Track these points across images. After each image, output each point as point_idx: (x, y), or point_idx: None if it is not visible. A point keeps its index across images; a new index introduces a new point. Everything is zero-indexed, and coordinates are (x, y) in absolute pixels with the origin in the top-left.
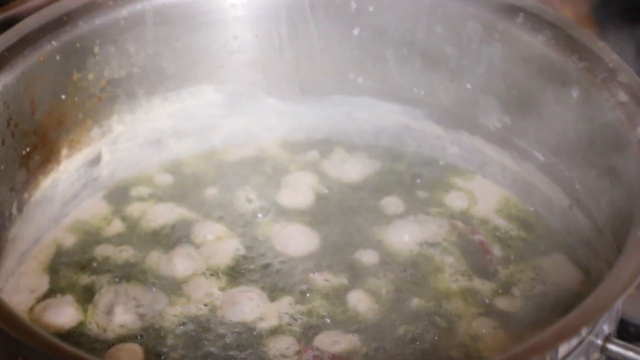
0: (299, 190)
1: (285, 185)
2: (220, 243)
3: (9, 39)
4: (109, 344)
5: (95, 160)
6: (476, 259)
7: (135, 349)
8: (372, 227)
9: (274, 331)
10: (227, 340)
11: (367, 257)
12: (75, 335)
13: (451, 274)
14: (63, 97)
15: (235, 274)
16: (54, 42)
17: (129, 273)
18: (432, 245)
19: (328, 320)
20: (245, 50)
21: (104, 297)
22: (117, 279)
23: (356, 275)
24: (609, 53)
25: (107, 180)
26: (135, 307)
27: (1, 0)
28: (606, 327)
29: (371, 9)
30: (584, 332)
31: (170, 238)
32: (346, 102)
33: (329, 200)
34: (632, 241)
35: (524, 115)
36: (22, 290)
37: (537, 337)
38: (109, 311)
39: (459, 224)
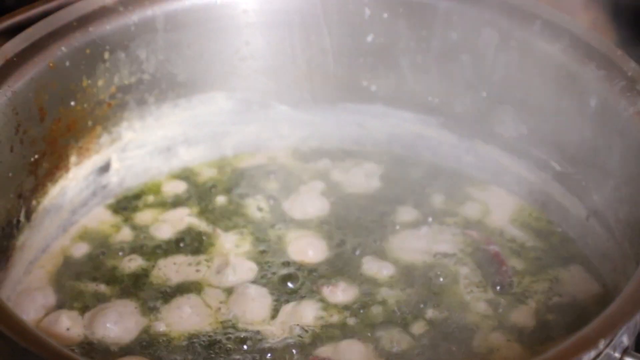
0: (310, 199)
1: (296, 194)
2: (230, 252)
3: (18, 45)
4: (117, 355)
5: (105, 168)
6: (491, 270)
7: (145, 356)
8: (384, 237)
9: (284, 341)
10: (236, 351)
11: (380, 267)
12: (82, 346)
13: (466, 285)
14: (72, 103)
15: (245, 282)
16: (63, 48)
17: (138, 282)
18: (446, 255)
19: (339, 331)
20: (257, 57)
21: (112, 307)
22: (125, 289)
23: (368, 285)
24: (627, 61)
25: (116, 188)
26: (144, 316)
27: (10, 6)
28: (625, 340)
29: (385, 15)
30: (601, 344)
31: (179, 247)
32: (359, 110)
33: (341, 210)
34: None
35: (540, 124)
36: (30, 299)
37: (553, 349)
38: (117, 321)
39: (474, 234)
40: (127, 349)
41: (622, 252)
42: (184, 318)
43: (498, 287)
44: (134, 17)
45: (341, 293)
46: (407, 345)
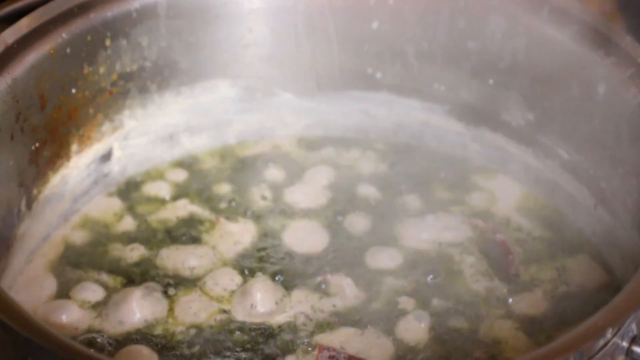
0: (314, 188)
1: (300, 182)
2: (233, 241)
3: (18, 32)
4: (120, 344)
5: (106, 156)
6: (497, 259)
7: (147, 349)
8: (390, 226)
9: (289, 329)
10: (242, 338)
11: (385, 256)
12: (84, 336)
13: (472, 274)
14: (73, 91)
15: (249, 271)
16: (64, 35)
17: (140, 272)
18: (452, 244)
19: (344, 320)
20: (260, 44)
21: (113, 296)
22: (127, 278)
23: (373, 274)
24: (636, 48)
25: (118, 177)
26: (146, 306)
27: None
28: (633, 329)
29: (391, 2)
30: (609, 333)
31: (182, 236)
32: (364, 98)
33: (346, 198)
34: None
35: (548, 112)
36: (31, 288)
37: (560, 338)
38: (120, 311)
39: (480, 223)
40: (130, 339)
41: (630, 240)
42: (187, 307)
43: (504, 276)
44: (135, 3)
45: (346, 282)
46: (413, 335)
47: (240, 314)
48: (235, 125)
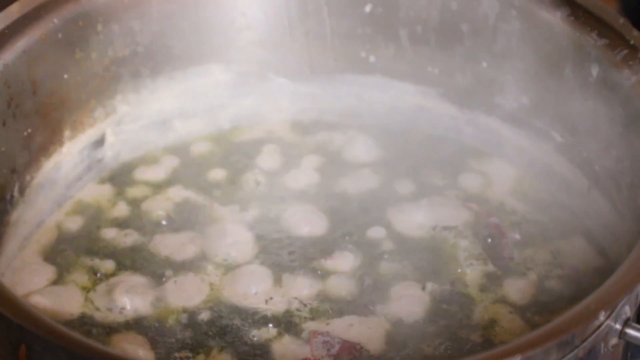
0: (308, 173)
1: (294, 167)
2: (228, 226)
3: (9, 17)
4: (114, 330)
5: (99, 142)
6: (491, 242)
7: (141, 334)
8: (384, 210)
9: (283, 315)
10: (235, 324)
11: (379, 240)
12: (78, 322)
13: (466, 257)
14: (65, 76)
15: (243, 257)
16: (55, 20)
17: (134, 257)
18: (446, 228)
19: (338, 305)
20: (253, 28)
21: (107, 283)
22: (121, 264)
23: (368, 259)
24: (630, 29)
25: (112, 163)
26: (140, 292)
27: None
28: (625, 312)
29: None
30: (602, 316)
31: (176, 221)
32: (358, 82)
33: (340, 183)
34: None
35: (541, 95)
36: (24, 275)
37: (554, 321)
38: (113, 297)
39: (474, 206)
40: (122, 325)
41: (623, 223)
42: (181, 293)
43: (499, 260)
44: None
45: (340, 266)
46: (407, 319)
47: (233, 300)
48: (228, 110)
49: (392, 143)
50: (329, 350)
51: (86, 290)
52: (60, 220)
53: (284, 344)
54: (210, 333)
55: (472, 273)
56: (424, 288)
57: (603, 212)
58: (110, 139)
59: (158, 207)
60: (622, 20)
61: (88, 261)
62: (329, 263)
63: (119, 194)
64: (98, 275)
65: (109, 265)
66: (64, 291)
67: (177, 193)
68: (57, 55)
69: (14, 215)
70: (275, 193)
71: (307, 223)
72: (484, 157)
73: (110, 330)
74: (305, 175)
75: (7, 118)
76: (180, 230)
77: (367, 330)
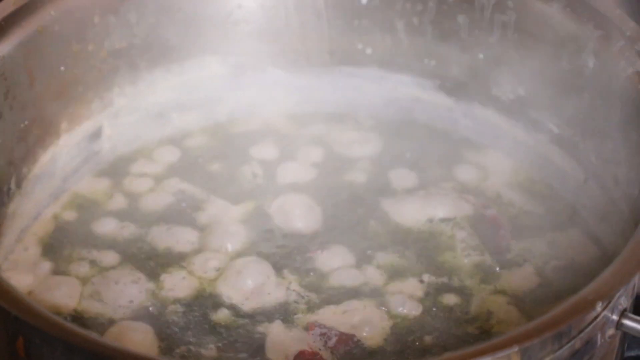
0: (305, 165)
1: (291, 159)
2: (224, 218)
3: (6, 9)
4: (111, 322)
5: (96, 134)
6: (488, 234)
7: (138, 326)
8: (381, 202)
9: (280, 307)
10: (232, 317)
11: (376, 232)
12: (75, 314)
13: (463, 249)
14: (62, 68)
15: (240, 249)
16: (52, 12)
17: (131, 250)
18: (443, 220)
19: (335, 297)
20: (250, 20)
21: (105, 275)
22: (118, 256)
23: (365, 251)
24: (626, 21)
25: (108, 155)
26: (137, 284)
27: None
28: (622, 303)
29: None
30: (599, 307)
31: (173, 214)
32: (354, 74)
33: (337, 175)
34: None
35: (537, 86)
36: (21, 267)
37: (550, 312)
38: (110, 289)
39: (471, 198)
40: (120, 317)
41: (620, 214)
42: (178, 285)
43: (496, 251)
44: None
45: (337, 258)
46: (405, 311)
47: (230, 293)
48: (225, 103)
49: (389, 135)
50: (326, 342)
51: (83, 282)
52: (57, 213)
53: (281, 336)
54: (207, 326)
55: (469, 265)
56: (421, 280)
57: (599, 203)
58: (107, 131)
59: (155, 200)
60: (618, 11)
61: (85, 253)
62: (325, 255)
63: (116, 186)
64: (95, 267)
65: (105, 257)
66: (61, 283)
67: (173, 185)
68: (54, 47)
69: (11, 207)
70: (271, 185)
71: (303, 215)
72: (480, 149)
73: (106, 322)
74: (302, 167)
75: (4, 110)
76: (177, 222)
77: (364, 322)
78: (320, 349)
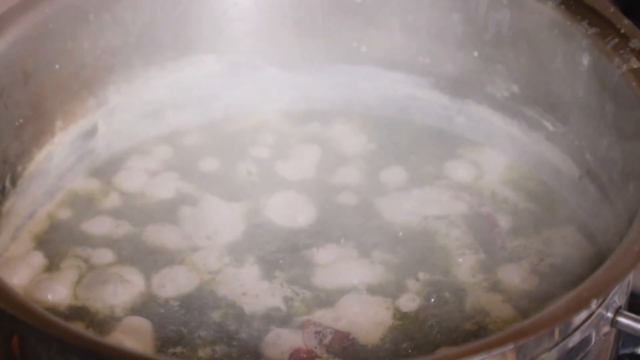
0: (300, 163)
1: (286, 157)
2: (220, 216)
3: (0, 7)
4: (106, 320)
5: (91, 132)
6: (483, 232)
7: (133, 324)
8: (376, 200)
9: (275, 305)
10: (227, 315)
11: (371, 230)
12: (69, 312)
13: (458, 247)
14: (57, 67)
15: (235, 247)
16: (47, 10)
17: (126, 248)
18: (438, 218)
19: (330, 295)
20: (245, 18)
21: (100, 273)
22: (113, 254)
23: (359, 248)
24: (620, 18)
25: (103, 153)
26: (132, 282)
27: None
28: (617, 300)
29: None
30: (594, 304)
31: (168, 212)
32: (350, 72)
33: (332, 173)
34: None
35: (532, 84)
36: (17, 265)
37: (546, 310)
38: (106, 287)
39: (466, 196)
40: (115, 315)
41: (615, 212)
42: (173, 284)
43: (490, 249)
44: None
45: (332, 257)
46: (399, 308)
47: (226, 291)
48: (221, 100)
49: (384, 133)
50: (321, 340)
51: (78, 280)
52: (52, 211)
53: (276, 334)
54: (202, 324)
55: (464, 262)
56: (416, 278)
57: (594, 201)
58: (102, 129)
59: (150, 198)
60: (612, 9)
61: (80, 251)
62: (320, 253)
63: (111, 184)
64: (90, 265)
65: (100, 255)
66: (55, 281)
67: (169, 183)
68: (49, 45)
69: (6, 205)
70: (267, 183)
71: (298, 213)
72: (475, 147)
73: (101, 320)
74: (297, 165)
75: None
76: (172, 221)
77: (359, 320)
78: (315, 347)
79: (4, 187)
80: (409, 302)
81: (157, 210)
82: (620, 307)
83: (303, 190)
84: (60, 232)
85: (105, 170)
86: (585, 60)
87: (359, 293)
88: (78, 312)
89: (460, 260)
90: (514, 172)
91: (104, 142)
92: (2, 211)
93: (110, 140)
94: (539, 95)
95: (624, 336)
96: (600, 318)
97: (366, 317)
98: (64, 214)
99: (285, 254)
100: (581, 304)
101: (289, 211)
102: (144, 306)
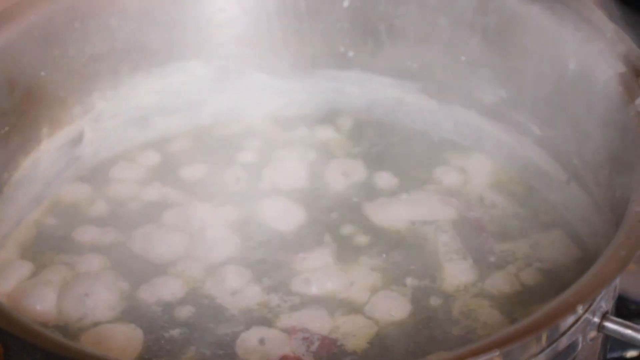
0: (288, 168)
1: (274, 162)
2: (207, 222)
3: None
4: (91, 327)
5: (78, 139)
6: (471, 236)
7: (119, 331)
8: (363, 204)
9: (263, 311)
10: (215, 321)
11: (359, 235)
12: (56, 320)
13: (445, 252)
14: (43, 74)
15: (223, 253)
16: (32, 17)
17: (113, 255)
18: (426, 223)
19: (318, 302)
20: (232, 24)
21: (86, 280)
22: (100, 261)
23: (347, 253)
24: (606, 23)
25: (90, 160)
26: (118, 289)
27: None
28: (604, 305)
29: None
30: (580, 309)
31: (155, 218)
32: (337, 77)
33: (320, 178)
34: (630, 217)
35: (519, 88)
36: (3, 273)
37: (533, 315)
38: (92, 295)
39: (454, 200)
40: (101, 322)
41: (602, 216)
42: (160, 290)
43: (478, 254)
44: None
45: (320, 262)
46: (388, 314)
47: (213, 297)
48: (208, 106)
49: (372, 138)
50: (308, 346)
51: (64, 287)
52: (39, 218)
53: (264, 341)
54: (189, 331)
55: (452, 267)
56: (404, 284)
57: (582, 205)
58: (88, 136)
59: (137, 204)
60: (598, 13)
61: (66, 259)
62: (308, 259)
63: (98, 191)
64: (76, 272)
65: (87, 262)
66: (41, 288)
67: (156, 190)
68: (35, 52)
69: None
70: (255, 189)
71: (286, 218)
72: (463, 151)
73: (87, 327)
74: (284, 171)
75: None
76: (159, 227)
77: (347, 326)
78: (303, 354)
79: None
80: (397, 308)
81: (143, 216)
82: (607, 312)
83: (291, 196)
84: (46, 239)
85: (92, 177)
86: (572, 64)
87: (346, 299)
88: (63, 320)
89: (448, 265)
90: (501, 177)
91: (90, 149)
92: None
93: (96, 147)
94: (526, 99)
95: (611, 341)
96: (587, 323)
97: (354, 323)
98: (51, 221)
99: (273, 260)
100: (568, 309)
101: (277, 216)
102: (130, 313)
